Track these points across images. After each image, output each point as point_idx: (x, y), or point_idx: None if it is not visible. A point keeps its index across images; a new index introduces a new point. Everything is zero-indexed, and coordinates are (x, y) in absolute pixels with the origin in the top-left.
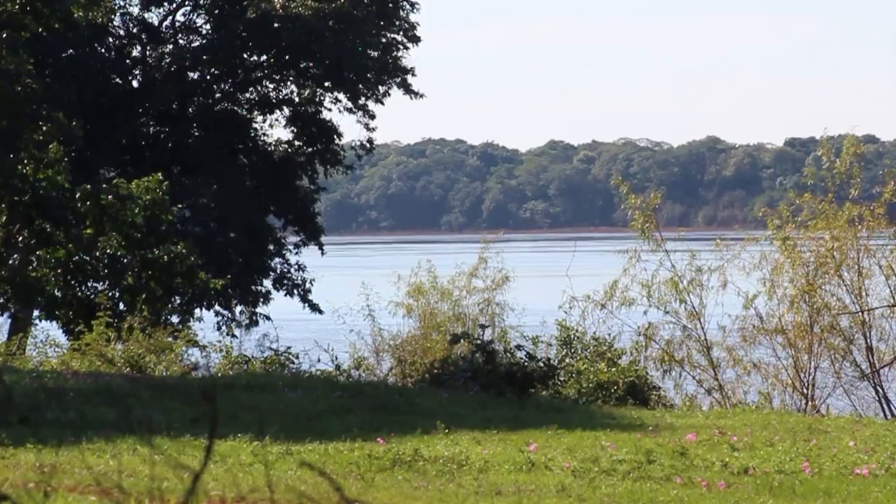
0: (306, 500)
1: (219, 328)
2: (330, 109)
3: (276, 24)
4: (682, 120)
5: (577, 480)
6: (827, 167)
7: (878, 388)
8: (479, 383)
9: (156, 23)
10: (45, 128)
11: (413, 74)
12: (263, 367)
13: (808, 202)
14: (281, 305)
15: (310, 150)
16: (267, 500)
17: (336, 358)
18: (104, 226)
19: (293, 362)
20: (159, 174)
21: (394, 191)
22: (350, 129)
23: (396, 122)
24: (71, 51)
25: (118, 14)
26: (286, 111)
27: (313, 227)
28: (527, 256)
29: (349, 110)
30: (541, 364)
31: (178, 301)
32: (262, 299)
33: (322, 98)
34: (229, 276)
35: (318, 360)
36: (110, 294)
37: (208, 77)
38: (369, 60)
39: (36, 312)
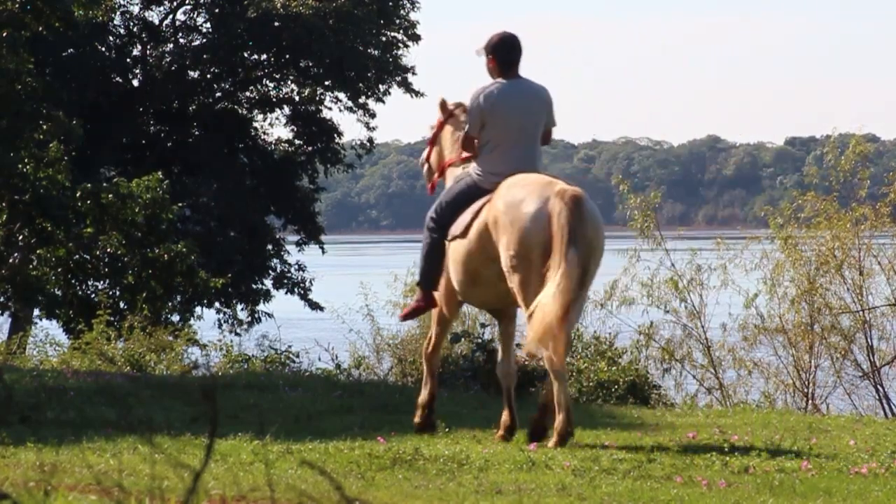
0: (307, 498)
1: (219, 326)
2: (330, 108)
3: (276, 24)
4: (682, 119)
5: (578, 479)
6: (833, 165)
7: (878, 387)
8: (480, 382)
9: (156, 22)
10: (45, 127)
11: (413, 73)
12: (264, 366)
13: (811, 201)
14: (281, 304)
15: (310, 149)
16: (267, 498)
17: (336, 357)
18: (104, 225)
19: (293, 361)
20: (159, 173)
21: (394, 190)
22: (350, 127)
23: (397, 120)
24: (71, 50)
25: (118, 13)
26: (286, 110)
27: (313, 226)
28: None
29: (349, 109)
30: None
31: (179, 300)
32: (262, 298)
33: (322, 97)
34: (229, 275)
35: (319, 359)
36: (111, 293)
37: (208, 76)
38: (370, 59)
39: (36, 311)
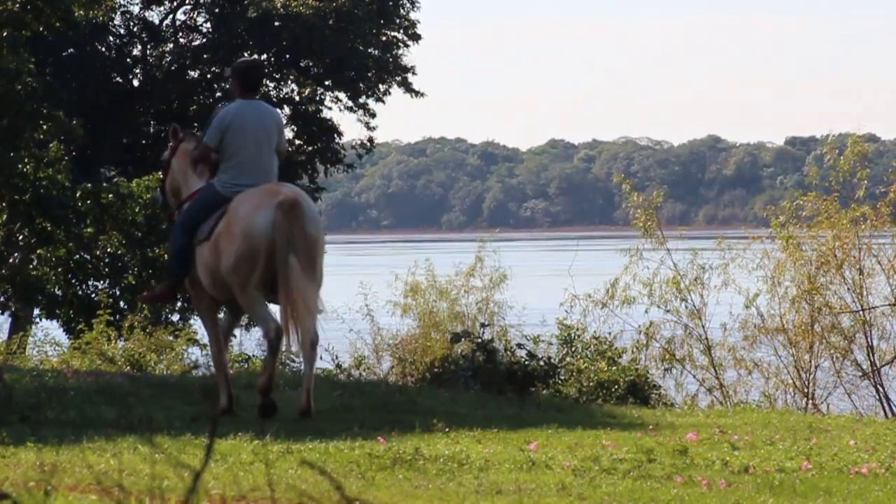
0: (307, 498)
1: None
2: (330, 108)
3: (276, 23)
4: (682, 119)
5: (578, 479)
6: (831, 165)
7: (878, 387)
8: (480, 382)
9: (156, 22)
10: (45, 126)
11: (413, 73)
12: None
13: (812, 201)
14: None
15: (310, 148)
16: (267, 498)
17: (336, 357)
18: (105, 224)
19: (294, 361)
20: (160, 173)
21: (394, 190)
22: (350, 127)
23: (397, 120)
24: (71, 50)
25: (119, 13)
26: (286, 110)
27: None
28: (527, 255)
29: (350, 109)
30: (541, 363)
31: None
32: None
33: (322, 97)
34: None
35: (320, 359)
36: (111, 293)
37: (208, 76)
38: (370, 59)
39: (36, 311)
